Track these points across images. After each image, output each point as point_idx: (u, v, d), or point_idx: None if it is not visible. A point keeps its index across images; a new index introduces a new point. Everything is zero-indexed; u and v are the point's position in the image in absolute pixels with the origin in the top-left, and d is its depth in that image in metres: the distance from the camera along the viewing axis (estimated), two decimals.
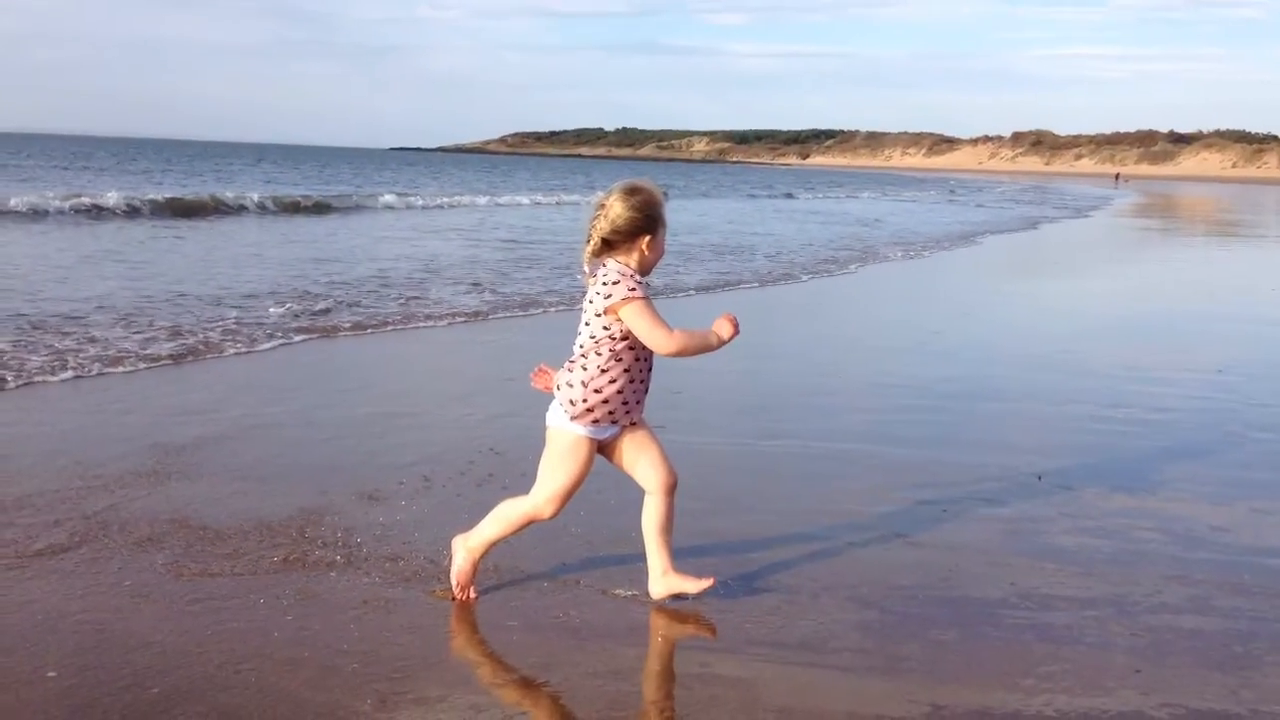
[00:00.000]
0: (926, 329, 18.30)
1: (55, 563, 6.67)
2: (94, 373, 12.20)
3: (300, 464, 9.03)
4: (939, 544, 7.66)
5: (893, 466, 9.57)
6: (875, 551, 7.48)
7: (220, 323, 15.56)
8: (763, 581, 6.80)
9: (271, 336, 14.81)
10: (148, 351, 13.31)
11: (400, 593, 6.43)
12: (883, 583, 6.89)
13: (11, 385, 11.36)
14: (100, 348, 13.33)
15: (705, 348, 5.97)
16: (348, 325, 16.14)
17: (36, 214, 33.42)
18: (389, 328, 16.33)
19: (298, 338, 14.96)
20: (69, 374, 12.02)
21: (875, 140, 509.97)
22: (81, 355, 12.84)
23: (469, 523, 6.46)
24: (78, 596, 6.21)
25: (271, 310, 16.86)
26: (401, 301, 18.82)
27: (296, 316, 16.51)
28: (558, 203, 60.15)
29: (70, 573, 6.53)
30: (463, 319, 17.55)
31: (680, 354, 5.89)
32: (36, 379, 11.71)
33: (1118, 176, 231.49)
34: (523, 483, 6.44)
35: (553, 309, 18.94)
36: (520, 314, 18.42)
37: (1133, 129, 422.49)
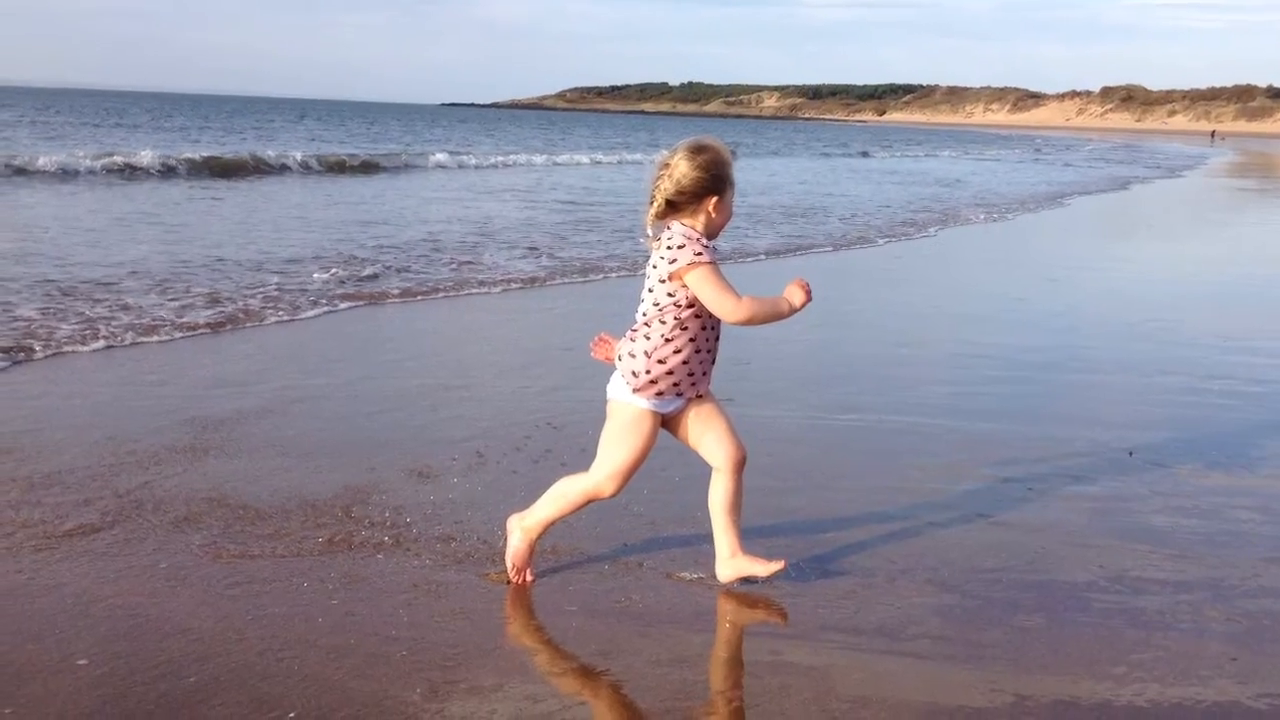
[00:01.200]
0: (1010, 296, 18.21)
1: (86, 544, 6.70)
2: (127, 342, 12.28)
3: (346, 439, 9.05)
4: (1024, 524, 7.60)
5: (974, 442, 9.52)
6: (956, 532, 7.43)
7: (261, 289, 15.66)
8: (837, 564, 6.77)
9: (315, 304, 14.87)
10: (184, 320, 13.38)
11: (452, 576, 6.43)
12: (964, 565, 6.85)
13: (40, 355, 11.44)
14: (134, 315, 13.43)
15: (776, 315, 5.92)
16: (396, 292, 16.18)
17: (66, 174, 33.62)
18: (440, 295, 16.36)
19: (343, 305, 15.01)
20: (100, 343, 12.10)
21: (956, 95, 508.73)
22: (114, 323, 12.94)
23: (525, 501, 6.45)
24: (110, 580, 6.23)
25: (315, 276, 16.94)
26: (453, 267, 18.87)
27: (342, 282, 16.57)
28: (619, 162, 60.15)
29: (102, 554, 6.56)
30: (518, 285, 17.57)
31: (749, 322, 5.84)
32: (66, 349, 11.79)
33: (1213, 134, 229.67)
34: (582, 459, 6.44)
35: (614, 274, 18.93)
36: (579, 280, 18.43)
37: (1229, 83, 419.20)
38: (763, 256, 21.95)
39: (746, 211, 28.69)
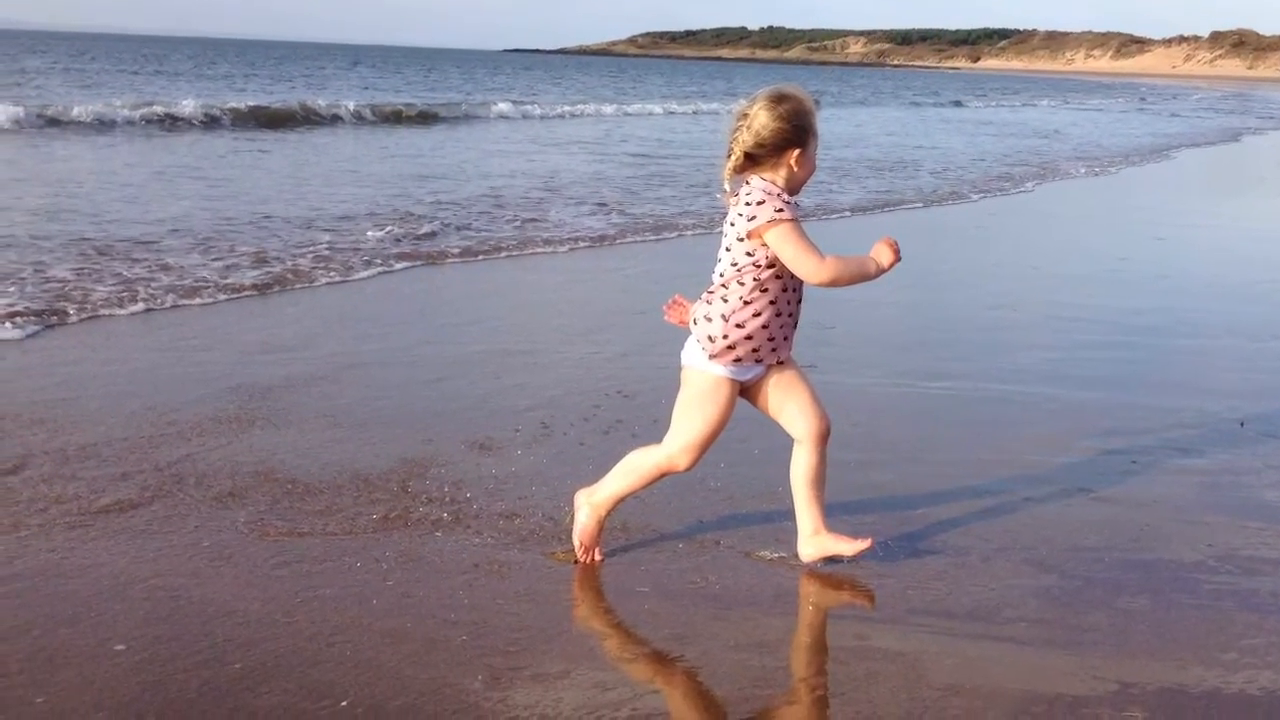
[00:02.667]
0: (1113, 255, 18.10)
1: (124, 521, 6.73)
2: (167, 305, 12.36)
3: (402, 409, 9.07)
4: (1127, 500, 7.56)
5: (1075, 411, 9.47)
6: (1055, 508, 7.39)
7: (311, 248, 15.74)
8: (927, 542, 6.75)
9: (369, 264, 14.93)
10: (229, 281, 13.46)
11: (515, 555, 6.44)
12: (1064, 544, 6.81)
13: (74, 319, 11.51)
14: (175, 276, 13.51)
15: (862, 276, 5.87)
16: (456, 251, 16.22)
17: (103, 125, 33.73)
18: (503, 254, 16.39)
19: (399, 265, 15.06)
20: (139, 306, 12.18)
21: (1055, 41, 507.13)
22: (153, 285, 13.02)
23: (594, 475, 6.45)
24: (149, 559, 6.26)
25: (369, 234, 17.00)
26: (517, 224, 18.90)
27: (398, 241, 16.63)
28: (694, 112, 60.06)
29: (141, 532, 6.59)
30: (587, 244, 17.59)
31: (833, 283, 5.80)
32: (103, 312, 11.88)
33: None
34: (654, 430, 6.43)
35: (689, 232, 18.93)
36: (652, 238, 18.43)
37: None
38: (848, 213, 21.90)
39: (831, 165, 28.61)
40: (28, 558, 6.13)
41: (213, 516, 6.80)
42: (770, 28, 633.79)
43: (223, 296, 12.81)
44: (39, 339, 10.76)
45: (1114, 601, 6.10)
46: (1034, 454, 8.36)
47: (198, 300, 12.58)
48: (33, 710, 4.73)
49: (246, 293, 13.07)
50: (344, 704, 4.86)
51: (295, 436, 8.27)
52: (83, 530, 6.54)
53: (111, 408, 8.75)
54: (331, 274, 14.21)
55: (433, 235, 17.26)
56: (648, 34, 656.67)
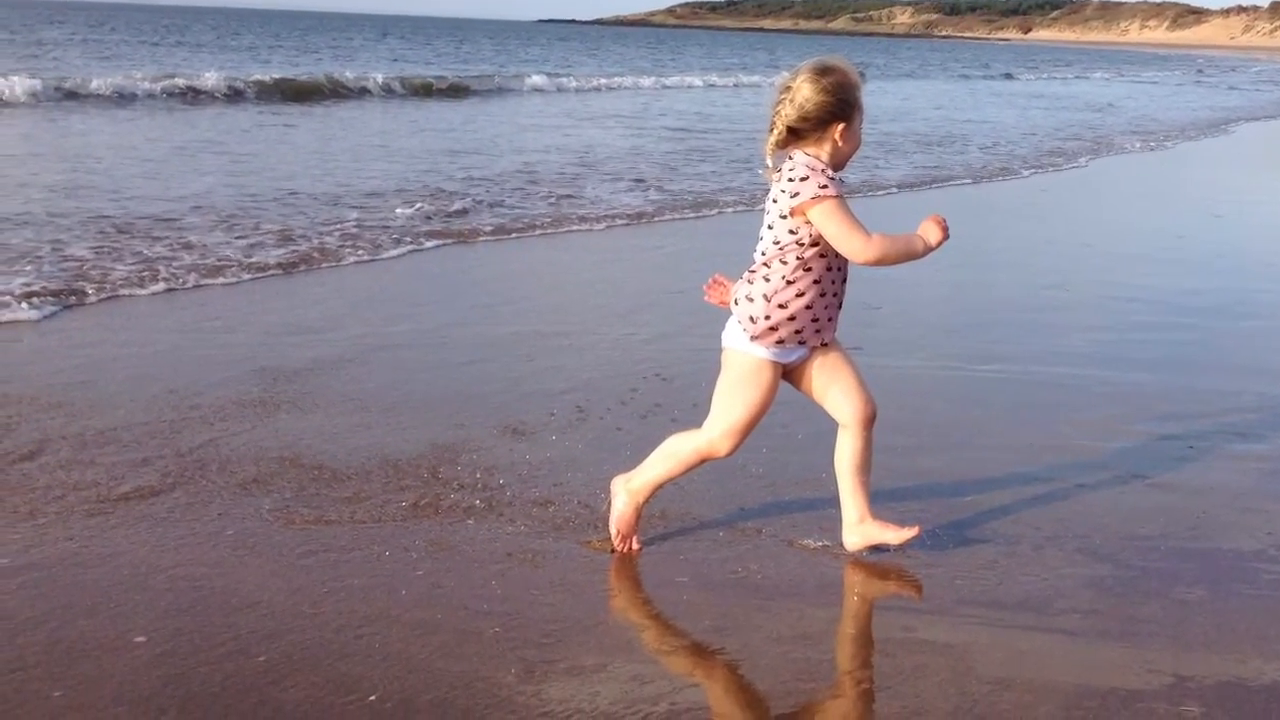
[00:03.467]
0: (1169, 233, 18.07)
1: (145, 508, 6.75)
2: (190, 285, 12.40)
3: (432, 392, 9.10)
4: (1184, 486, 7.54)
5: (1129, 395, 9.44)
6: (1109, 495, 7.37)
7: (338, 226, 15.76)
8: (977, 530, 6.73)
9: (399, 242, 14.95)
10: (253, 260, 13.50)
11: (550, 544, 6.45)
12: (1118, 532, 6.79)
13: (93, 299, 11.55)
14: (197, 255, 13.54)
15: (909, 255, 5.85)
16: (488, 229, 16.24)
17: (122, 98, 33.73)
18: (537, 232, 16.41)
19: (429, 243, 15.09)
20: (160, 286, 12.22)
21: (1109, 11, 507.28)
22: (175, 264, 13.06)
23: (631, 461, 6.46)
24: (170, 548, 6.27)
25: (398, 211, 17.02)
26: (551, 201, 18.90)
27: (428, 218, 16.65)
28: (735, 85, 60.00)
29: (162, 520, 6.61)
30: (623, 221, 17.60)
31: (879, 262, 5.78)
32: (122, 292, 11.92)
33: None
34: (694, 414, 6.42)
35: (729, 209, 18.92)
36: (691, 215, 18.43)
37: None
38: (895, 189, 21.87)
39: (877, 140, 28.53)
40: (45, 546, 6.15)
41: (236, 504, 6.82)
42: None
43: (247, 276, 12.85)
44: (56, 320, 10.79)
45: (1170, 592, 6.08)
46: (1086, 439, 8.34)
47: (221, 280, 12.61)
48: (50, 704, 4.75)
49: (271, 272, 13.12)
50: (372, 698, 4.87)
51: (322, 421, 8.29)
52: (102, 518, 6.56)
53: (132, 391, 8.77)
54: (359, 253, 14.23)
55: (464, 212, 17.28)
56: (686, 4, 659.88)
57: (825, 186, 5.62)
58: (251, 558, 6.16)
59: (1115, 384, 9.65)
